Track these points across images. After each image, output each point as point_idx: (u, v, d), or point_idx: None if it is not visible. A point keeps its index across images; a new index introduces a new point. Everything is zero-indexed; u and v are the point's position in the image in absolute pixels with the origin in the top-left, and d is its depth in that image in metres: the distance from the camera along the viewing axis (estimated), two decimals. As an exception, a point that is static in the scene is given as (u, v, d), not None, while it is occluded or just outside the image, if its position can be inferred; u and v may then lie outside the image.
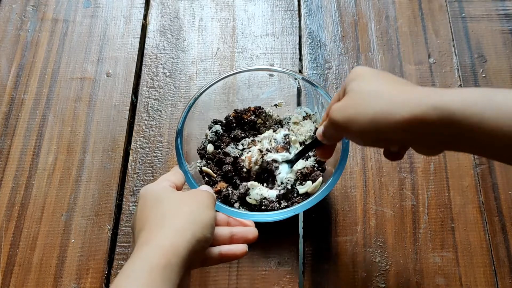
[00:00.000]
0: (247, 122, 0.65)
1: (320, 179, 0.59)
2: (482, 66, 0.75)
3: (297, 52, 0.78)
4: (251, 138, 0.64)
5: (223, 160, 0.62)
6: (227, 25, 0.81)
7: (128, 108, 0.73)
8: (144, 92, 0.75)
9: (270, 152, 0.61)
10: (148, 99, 0.74)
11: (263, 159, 0.61)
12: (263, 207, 0.58)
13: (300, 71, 0.76)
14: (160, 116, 0.73)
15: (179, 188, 0.49)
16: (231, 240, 0.47)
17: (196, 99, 0.60)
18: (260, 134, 0.65)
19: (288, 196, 0.59)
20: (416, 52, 0.77)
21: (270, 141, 0.62)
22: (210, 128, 0.65)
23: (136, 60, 0.77)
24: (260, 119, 0.66)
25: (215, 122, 0.65)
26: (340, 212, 0.65)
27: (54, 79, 0.75)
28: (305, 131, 0.64)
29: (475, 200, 0.65)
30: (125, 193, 0.67)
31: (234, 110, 0.66)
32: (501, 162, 0.40)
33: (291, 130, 0.64)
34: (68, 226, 0.64)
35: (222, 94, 0.64)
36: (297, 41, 0.79)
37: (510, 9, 0.80)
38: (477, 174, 0.67)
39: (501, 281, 0.60)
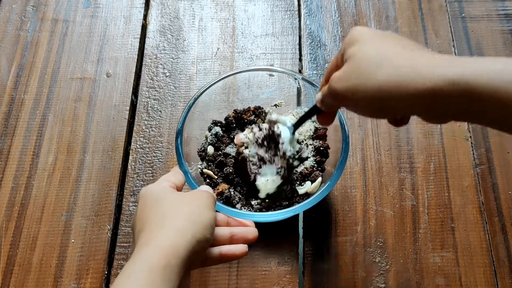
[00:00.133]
0: (247, 122, 0.65)
1: (320, 179, 0.59)
2: (482, 66, 0.75)
3: (297, 52, 0.78)
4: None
5: (224, 162, 0.62)
6: (227, 25, 0.81)
7: (128, 108, 0.73)
8: (144, 92, 0.75)
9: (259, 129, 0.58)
10: (148, 99, 0.74)
11: (256, 132, 0.58)
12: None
13: (300, 71, 0.76)
14: (160, 116, 0.73)
15: (179, 189, 0.49)
16: (231, 241, 0.47)
17: (196, 99, 0.60)
18: None
19: (290, 175, 0.58)
20: (416, 52, 0.77)
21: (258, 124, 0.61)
22: (210, 129, 0.65)
23: (136, 60, 0.77)
24: (260, 119, 0.66)
25: (215, 123, 0.65)
26: (340, 212, 0.65)
27: (54, 79, 0.75)
28: (304, 130, 0.64)
29: (475, 200, 0.65)
30: (125, 193, 0.67)
31: (234, 110, 0.66)
32: None
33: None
34: (68, 226, 0.64)
35: (222, 94, 0.64)
36: (297, 41, 0.79)
37: (510, 9, 0.80)
38: (477, 174, 0.67)
39: (501, 281, 0.60)
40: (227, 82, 0.62)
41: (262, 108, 0.66)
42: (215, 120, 0.66)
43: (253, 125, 0.59)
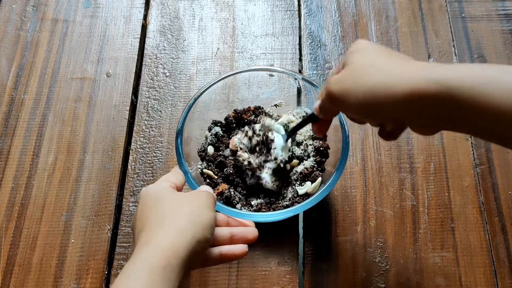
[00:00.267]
0: (247, 123, 0.65)
1: (319, 179, 0.59)
2: (482, 66, 0.75)
3: (297, 52, 0.78)
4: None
5: (224, 162, 0.62)
6: (227, 25, 0.81)
7: (128, 108, 0.73)
8: (144, 92, 0.75)
9: (254, 131, 0.60)
10: (148, 99, 0.74)
11: (250, 136, 0.60)
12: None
13: (300, 71, 0.76)
14: (160, 116, 0.73)
15: (179, 189, 0.49)
16: (231, 241, 0.47)
17: (196, 99, 0.60)
18: None
19: (280, 173, 0.59)
20: (416, 52, 0.77)
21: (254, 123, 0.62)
22: (210, 129, 0.65)
23: (136, 60, 0.77)
24: (257, 120, 0.66)
25: (215, 123, 0.65)
26: (340, 212, 0.65)
27: (54, 79, 0.75)
28: (304, 130, 0.64)
29: (475, 200, 0.65)
30: (125, 193, 0.67)
31: (234, 110, 0.66)
32: (499, 144, 0.39)
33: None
34: (68, 226, 0.64)
35: (222, 94, 0.64)
36: (297, 41, 0.79)
37: (510, 9, 0.80)
38: (477, 174, 0.67)
39: (501, 281, 0.60)
40: (227, 82, 0.62)
41: (262, 108, 0.66)
42: (215, 120, 0.66)
43: (247, 128, 0.60)
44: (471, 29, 0.79)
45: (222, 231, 0.47)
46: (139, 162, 0.69)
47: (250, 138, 0.60)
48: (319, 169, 0.61)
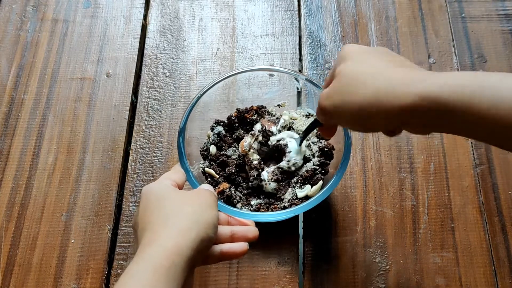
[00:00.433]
0: (249, 122, 0.65)
1: (320, 183, 0.58)
2: (482, 67, 0.75)
3: (297, 52, 0.78)
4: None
5: (226, 162, 0.62)
6: (227, 25, 0.81)
7: (128, 108, 0.73)
8: (144, 92, 0.75)
9: (263, 132, 0.61)
10: (148, 99, 0.74)
11: (261, 140, 0.61)
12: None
13: (300, 71, 0.76)
14: (160, 116, 0.73)
15: (180, 187, 0.49)
16: (232, 239, 0.48)
17: (199, 98, 0.60)
18: None
19: (284, 178, 0.60)
20: (416, 52, 0.77)
21: (262, 124, 0.62)
22: (212, 129, 0.65)
23: (136, 60, 0.77)
24: (262, 118, 0.66)
25: (217, 122, 0.65)
26: (340, 213, 0.65)
27: (54, 79, 0.75)
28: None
29: (475, 200, 0.65)
30: (125, 193, 0.67)
31: (237, 109, 0.66)
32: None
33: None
34: (68, 226, 0.64)
35: (222, 94, 0.64)
36: (297, 41, 0.79)
37: (510, 9, 0.80)
38: (477, 174, 0.67)
39: (501, 281, 0.60)
40: (227, 82, 0.62)
41: (265, 108, 0.66)
42: (218, 120, 0.66)
43: (257, 133, 0.61)
44: (471, 29, 0.79)
45: (223, 230, 0.48)
46: (139, 162, 0.69)
47: (261, 143, 0.61)
48: (322, 171, 0.60)
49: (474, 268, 0.61)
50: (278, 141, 0.60)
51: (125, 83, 0.75)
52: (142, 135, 0.71)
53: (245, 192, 0.60)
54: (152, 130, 0.71)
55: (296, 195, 0.58)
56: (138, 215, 0.45)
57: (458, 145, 0.69)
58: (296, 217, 0.64)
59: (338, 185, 0.66)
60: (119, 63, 0.77)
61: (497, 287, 0.60)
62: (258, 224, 0.50)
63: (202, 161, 0.63)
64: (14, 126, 0.72)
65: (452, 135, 0.69)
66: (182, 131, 0.58)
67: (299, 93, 0.66)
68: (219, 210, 0.50)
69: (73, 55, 0.78)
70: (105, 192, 0.67)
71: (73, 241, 0.63)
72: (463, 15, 0.80)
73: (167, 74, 0.76)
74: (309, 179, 0.59)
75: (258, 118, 0.66)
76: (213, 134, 0.64)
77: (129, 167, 0.69)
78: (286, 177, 0.60)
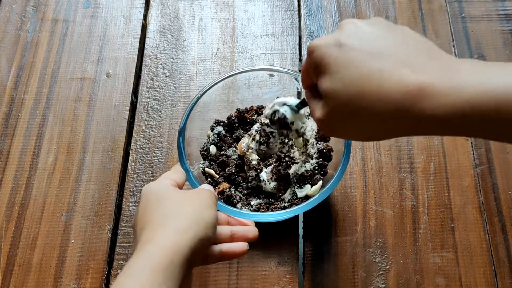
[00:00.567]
0: (249, 122, 0.65)
1: (320, 183, 0.58)
2: (482, 66, 0.75)
3: (297, 52, 0.78)
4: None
5: (226, 162, 0.62)
6: (227, 25, 0.81)
7: (128, 108, 0.73)
8: (144, 92, 0.75)
9: (262, 131, 0.59)
10: (148, 99, 0.74)
11: (259, 140, 0.59)
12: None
13: (300, 71, 0.76)
14: (160, 116, 0.73)
15: (180, 187, 0.50)
16: (232, 239, 0.48)
17: (199, 98, 0.60)
18: None
19: (282, 177, 0.59)
20: (416, 52, 0.77)
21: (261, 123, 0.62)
22: (212, 129, 0.65)
23: (136, 60, 0.77)
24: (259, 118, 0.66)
25: (217, 123, 0.65)
26: (340, 213, 0.65)
27: (54, 79, 0.75)
28: (307, 130, 0.63)
29: (475, 200, 0.65)
30: (125, 193, 0.67)
31: (237, 109, 0.66)
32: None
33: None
34: (68, 226, 0.64)
35: (222, 94, 0.64)
36: (297, 41, 0.79)
37: (510, 9, 0.80)
38: (477, 174, 0.67)
39: (501, 281, 0.60)
40: (227, 82, 0.62)
41: (265, 107, 0.66)
42: (218, 120, 0.66)
43: (255, 133, 0.61)
44: (471, 29, 0.79)
45: (223, 229, 0.48)
46: (139, 162, 0.69)
47: (260, 142, 0.60)
48: (321, 172, 0.60)
49: (474, 268, 0.61)
50: (273, 114, 0.53)
51: (125, 83, 0.75)
52: (142, 135, 0.71)
53: (245, 192, 0.61)
54: (152, 130, 0.71)
55: (296, 195, 0.58)
56: (137, 215, 0.45)
57: (458, 145, 0.69)
58: (296, 217, 0.64)
59: (338, 185, 0.66)
60: (119, 63, 0.77)
61: (497, 287, 0.60)
62: (258, 224, 0.50)
63: (202, 161, 0.63)
64: (14, 126, 0.72)
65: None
66: (182, 131, 0.58)
67: (299, 93, 0.66)
68: (218, 210, 0.50)
69: (73, 55, 0.78)
70: (105, 192, 0.67)
71: (73, 241, 0.63)
72: (463, 15, 0.80)
73: (167, 74, 0.76)
74: (309, 179, 0.59)
75: (258, 119, 0.66)
76: (213, 134, 0.64)
77: (129, 167, 0.69)
78: (284, 175, 0.60)
